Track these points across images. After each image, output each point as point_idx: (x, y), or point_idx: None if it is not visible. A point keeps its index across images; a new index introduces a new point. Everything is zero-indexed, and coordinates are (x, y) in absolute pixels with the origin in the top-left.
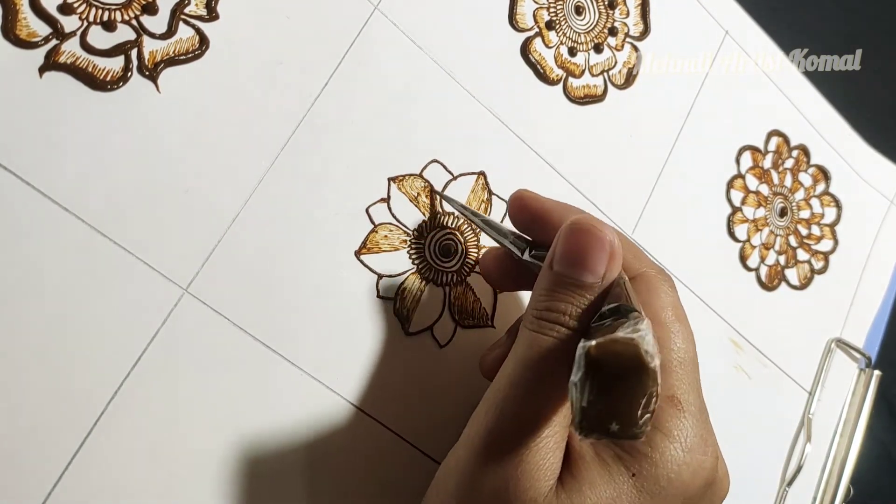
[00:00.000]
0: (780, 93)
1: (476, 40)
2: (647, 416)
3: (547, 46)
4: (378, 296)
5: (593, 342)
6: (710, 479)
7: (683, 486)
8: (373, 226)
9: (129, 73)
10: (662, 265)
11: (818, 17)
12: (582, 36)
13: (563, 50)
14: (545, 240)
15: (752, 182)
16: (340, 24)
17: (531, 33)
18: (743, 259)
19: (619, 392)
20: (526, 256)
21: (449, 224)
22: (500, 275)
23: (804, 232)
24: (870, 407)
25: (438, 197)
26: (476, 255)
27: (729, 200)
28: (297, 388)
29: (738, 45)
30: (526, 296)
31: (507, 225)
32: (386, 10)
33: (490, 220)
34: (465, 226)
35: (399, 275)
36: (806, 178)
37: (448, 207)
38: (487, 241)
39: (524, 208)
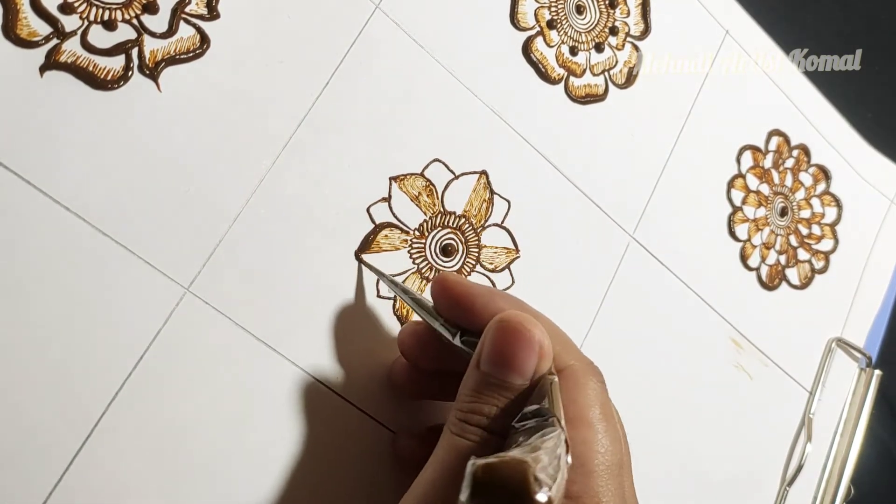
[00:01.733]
0: (780, 92)
1: (477, 39)
2: None
3: (548, 45)
4: (378, 295)
5: (482, 461)
6: None
7: None
8: (374, 225)
9: (130, 73)
10: (663, 264)
11: (818, 17)
12: (583, 35)
13: (565, 49)
14: (470, 326)
15: (752, 181)
16: (342, 23)
17: (532, 32)
18: (743, 258)
19: None
20: (456, 341)
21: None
22: (419, 351)
23: (805, 231)
24: (870, 406)
25: (362, 264)
26: (476, 255)
27: (729, 200)
28: (298, 387)
29: (739, 45)
30: None
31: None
32: (387, 9)
33: (421, 298)
34: (467, 225)
35: (399, 274)
36: (806, 178)
37: (373, 276)
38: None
39: (445, 291)
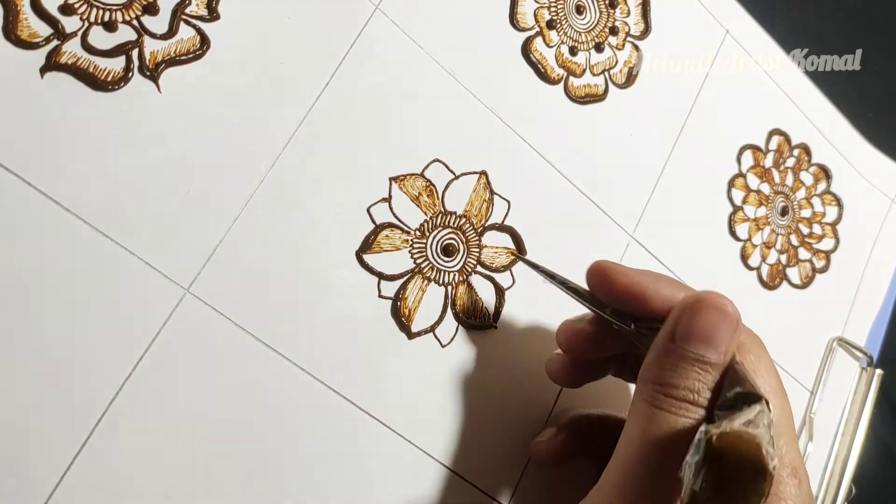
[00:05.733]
0: (780, 91)
1: (477, 40)
2: None
3: (548, 46)
4: (379, 296)
5: (717, 431)
6: None
7: None
8: (374, 225)
9: (131, 74)
10: (663, 265)
11: (818, 17)
12: (583, 35)
13: (564, 49)
14: (640, 313)
15: (753, 181)
16: (341, 24)
17: (532, 33)
18: (744, 258)
19: (733, 487)
20: (633, 328)
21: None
22: (585, 343)
23: (805, 231)
24: (871, 406)
25: (519, 261)
26: (477, 254)
27: (730, 199)
28: (298, 387)
29: (739, 45)
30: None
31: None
32: (387, 9)
33: (583, 290)
34: (467, 225)
35: (400, 275)
36: (807, 177)
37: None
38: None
39: (612, 283)
